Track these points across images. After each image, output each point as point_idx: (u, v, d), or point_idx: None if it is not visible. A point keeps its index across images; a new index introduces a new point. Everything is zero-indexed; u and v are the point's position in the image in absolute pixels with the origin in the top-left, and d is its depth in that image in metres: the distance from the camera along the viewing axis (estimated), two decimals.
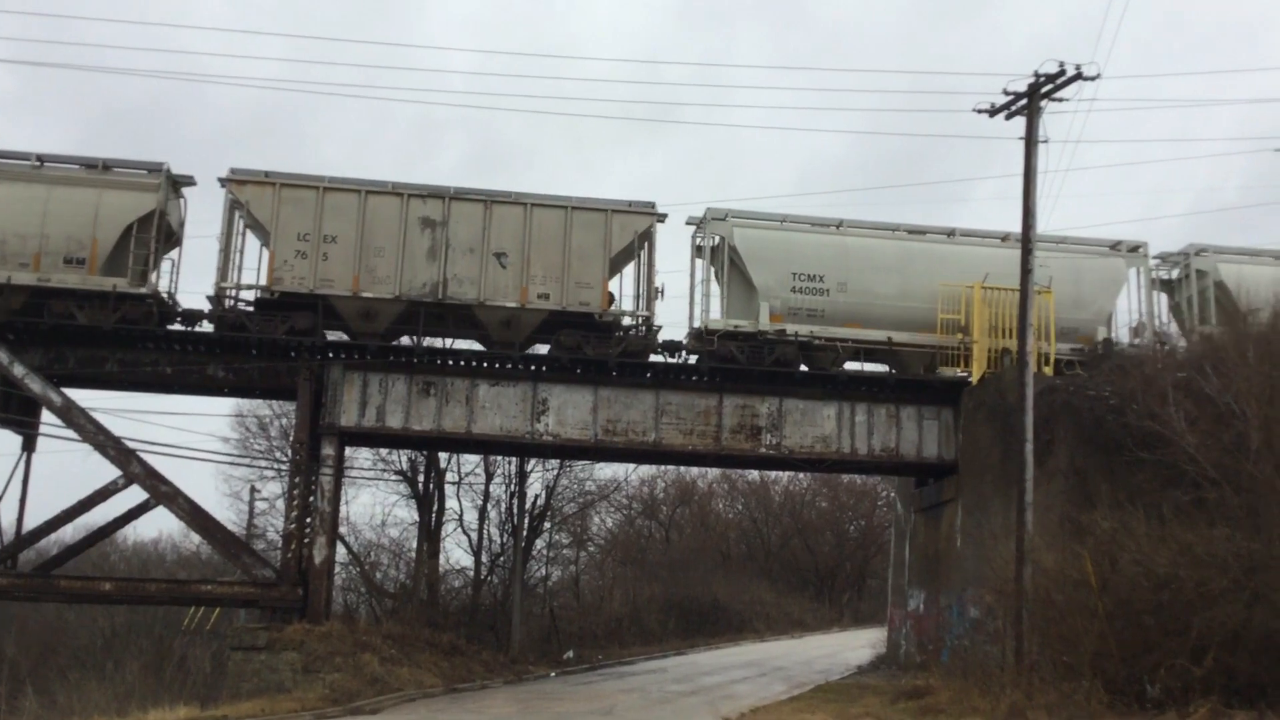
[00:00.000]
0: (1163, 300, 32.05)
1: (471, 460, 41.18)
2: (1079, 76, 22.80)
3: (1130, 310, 30.89)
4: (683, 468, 59.10)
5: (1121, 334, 30.76)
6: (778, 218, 30.21)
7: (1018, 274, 29.15)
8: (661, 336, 29.91)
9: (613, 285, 29.62)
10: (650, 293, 29.32)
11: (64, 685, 35.31)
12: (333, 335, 29.26)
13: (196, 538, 41.09)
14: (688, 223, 30.25)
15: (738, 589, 56.21)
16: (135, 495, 28.44)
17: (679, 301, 25.94)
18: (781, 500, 69.34)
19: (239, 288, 28.30)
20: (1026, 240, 23.45)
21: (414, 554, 41.22)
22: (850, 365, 30.17)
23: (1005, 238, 30.52)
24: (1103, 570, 19.38)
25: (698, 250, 30.10)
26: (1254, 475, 18.55)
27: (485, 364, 29.47)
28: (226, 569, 36.32)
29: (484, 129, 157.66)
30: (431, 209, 28.55)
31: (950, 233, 30.80)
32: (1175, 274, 31.90)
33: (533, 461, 39.74)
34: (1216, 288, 30.68)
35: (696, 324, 29.53)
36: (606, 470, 47.78)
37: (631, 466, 49.13)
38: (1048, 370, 28.27)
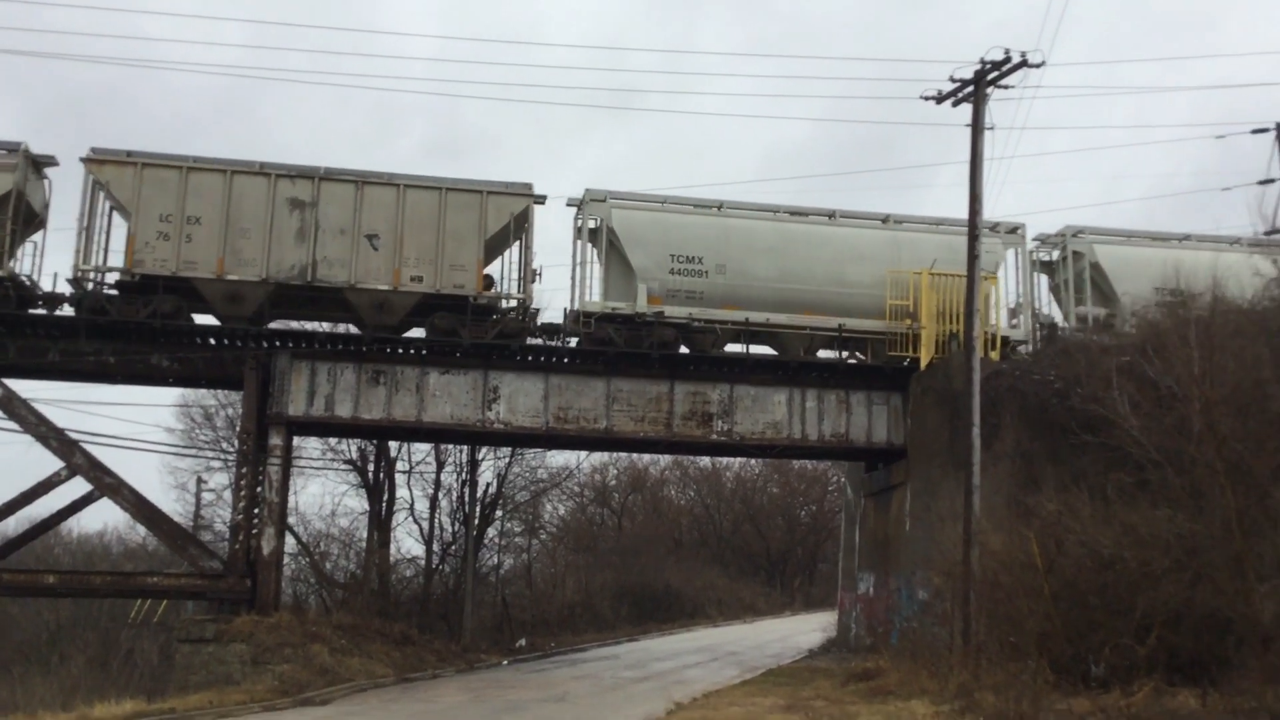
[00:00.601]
0: (1043, 281, 32.28)
1: (422, 449, 41.02)
2: (1024, 64, 22.99)
3: (1008, 291, 31.06)
4: (635, 455, 59.25)
5: (1001, 316, 30.82)
6: (659, 199, 30.07)
7: (899, 256, 30.10)
8: (547, 319, 29.93)
9: (495, 268, 29.48)
10: (528, 275, 29.17)
11: (8, 680, 34.87)
12: (212, 317, 28.68)
13: (142, 530, 40.63)
14: (568, 204, 29.97)
15: (690, 575, 56.40)
16: (79, 487, 27.99)
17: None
18: (733, 486, 69.65)
19: (100, 270, 27.65)
20: (973, 227, 23.63)
21: (364, 544, 40.96)
22: (731, 348, 30.07)
23: (885, 220, 30.78)
24: (1048, 552, 19.62)
25: (579, 232, 29.80)
26: (1195, 457, 18.79)
27: (436, 352, 29.28)
28: (173, 561, 35.89)
29: (445, 115, 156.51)
30: (300, 190, 28.03)
31: (831, 214, 30.79)
32: (1055, 255, 32.02)
33: (484, 450, 39.64)
34: (1092, 269, 30.93)
35: (575, 306, 29.30)
36: (558, 458, 47.89)
37: (583, 454, 49.27)
38: (995, 355, 28.57)
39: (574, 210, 30.01)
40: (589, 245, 29.78)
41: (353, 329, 29.99)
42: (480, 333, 28.37)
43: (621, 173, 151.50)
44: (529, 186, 29.17)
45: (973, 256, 23.66)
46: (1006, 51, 23.00)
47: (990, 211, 24.20)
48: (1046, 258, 32.23)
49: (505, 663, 32.66)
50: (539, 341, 29.57)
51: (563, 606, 45.70)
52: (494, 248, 29.22)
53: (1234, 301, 23.33)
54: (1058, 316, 31.93)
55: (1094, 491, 20.53)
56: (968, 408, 23.22)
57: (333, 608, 36.86)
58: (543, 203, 29.50)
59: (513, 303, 29.22)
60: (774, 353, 30.65)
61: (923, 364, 29.47)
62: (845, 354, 30.51)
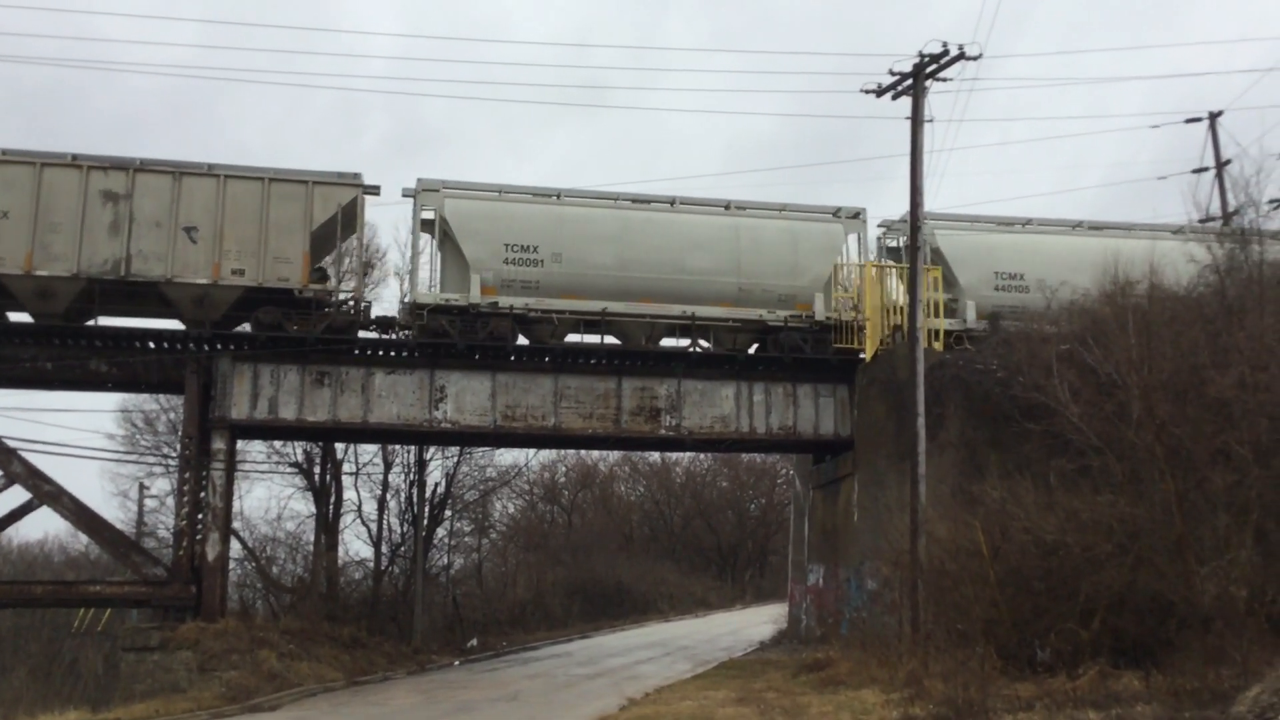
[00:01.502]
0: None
1: (369, 450, 40.62)
2: (962, 56, 23.25)
3: (849, 277, 30.98)
4: (584, 451, 59.20)
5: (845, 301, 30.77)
6: (495, 188, 29.63)
7: (739, 243, 29.93)
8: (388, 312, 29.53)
9: (350, 264, 29.17)
10: (361, 267, 28.97)
11: None
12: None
13: (84, 538, 39.95)
14: (404, 194, 29.39)
15: (641, 570, 56.46)
16: (17, 496, 27.52)
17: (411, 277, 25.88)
18: (683, 481, 69.76)
19: None
20: (914, 219, 23.84)
21: (312, 547, 40.55)
22: (571, 337, 29.78)
23: (728, 206, 30.68)
24: (993, 539, 19.82)
25: (418, 224, 29.33)
26: (1135, 443, 19.06)
27: (381, 352, 29.05)
28: (117, 569, 35.34)
29: (407, 111, 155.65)
30: (114, 182, 27.28)
31: (672, 202, 30.55)
32: (901, 242, 31.69)
33: (432, 449, 39.35)
34: (933, 254, 30.78)
35: (409, 298, 28.94)
36: (507, 456, 47.62)
37: (532, 451, 49.03)
38: (938, 345, 28.83)
39: (425, 206, 29.21)
40: (426, 236, 29.36)
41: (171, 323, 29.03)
42: (308, 326, 27.80)
43: (585, 168, 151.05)
44: (358, 176, 28.53)
45: (914, 248, 23.88)
46: (944, 45, 23.28)
47: (941, 202, 24.42)
48: (894, 244, 32.02)
49: (457, 663, 32.50)
50: (373, 335, 29.13)
51: (514, 605, 45.60)
52: (323, 240, 28.53)
53: (1171, 289, 23.67)
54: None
55: (1037, 479, 20.76)
56: (912, 398, 23.44)
57: (280, 612, 36.53)
58: (376, 193, 29.00)
59: (344, 294, 28.68)
60: (617, 341, 30.17)
61: (868, 355, 29.67)
62: (688, 342, 30.10)
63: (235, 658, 25.52)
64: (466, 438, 33.65)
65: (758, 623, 41.07)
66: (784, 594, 41.44)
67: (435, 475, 41.46)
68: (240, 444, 33.48)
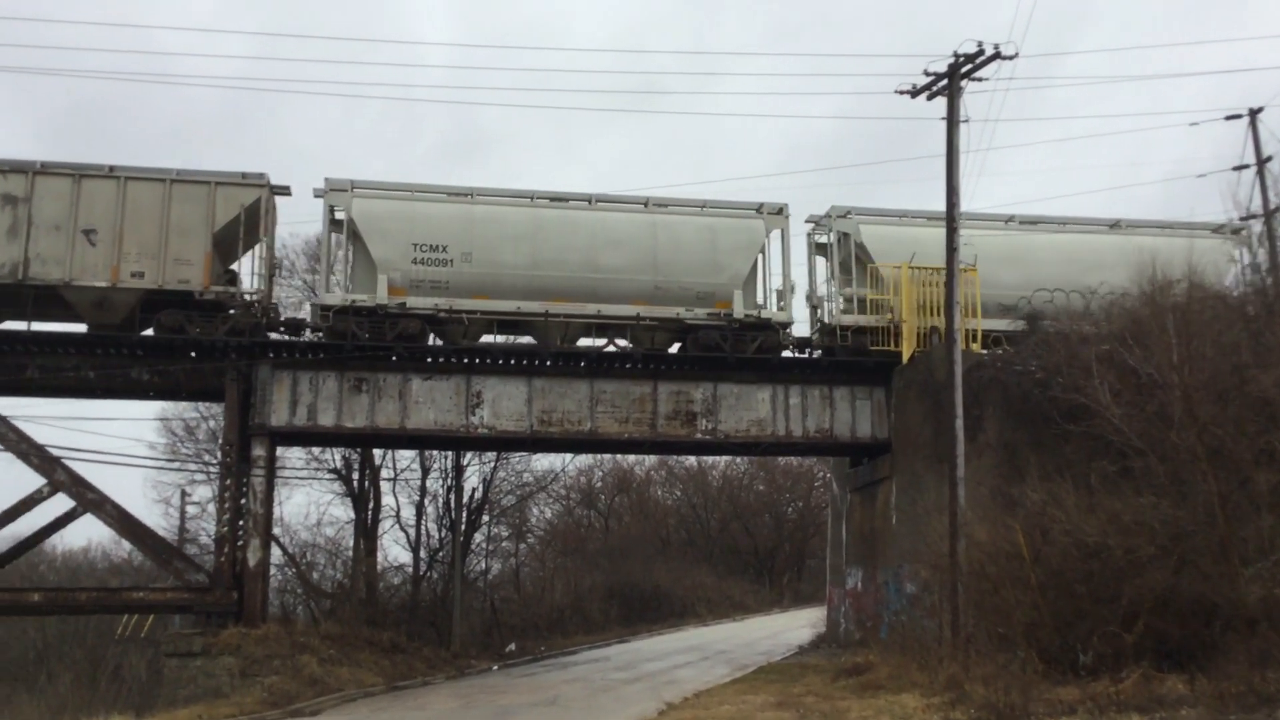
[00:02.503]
0: (822, 264, 31.41)
1: (407, 456, 40.91)
2: (997, 56, 23.14)
3: (771, 272, 30.58)
4: (620, 456, 59.24)
5: (770, 298, 30.36)
6: (407, 187, 29.36)
7: (656, 241, 29.49)
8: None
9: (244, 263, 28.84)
10: (270, 269, 28.75)
11: None
12: None
13: (127, 545, 40.38)
14: (315, 195, 29.02)
15: (678, 574, 56.41)
16: (62, 503, 27.84)
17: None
18: (719, 485, 69.64)
19: None
20: (951, 220, 23.71)
21: (351, 553, 40.82)
22: (486, 338, 29.50)
23: (646, 204, 30.28)
24: (1034, 541, 19.67)
25: (329, 223, 29.06)
26: (1177, 444, 18.88)
27: (418, 358, 29.19)
28: (159, 575, 35.70)
29: (463, 114, 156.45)
30: (13, 184, 27.15)
31: (590, 200, 30.13)
32: (831, 237, 31.15)
33: (469, 455, 39.55)
34: (858, 249, 30.40)
35: (317, 299, 28.75)
36: (543, 461, 47.77)
37: (568, 456, 49.16)
38: (976, 347, 28.66)
39: (334, 206, 29.06)
40: (339, 237, 29.14)
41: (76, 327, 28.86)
42: (211, 329, 27.64)
43: (638, 169, 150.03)
44: (263, 176, 28.26)
45: (951, 249, 23.75)
46: (979, 44, 23.19)
47: (977, 201, 24.24)
48: (823, 239, 31.32)
49: (495, 668, 32.59)
50: (281, 337, 29.00)
51: (552, 610, 45.68)
52: (228, 241, 28.22)
53: (1211, 288, 23.44)
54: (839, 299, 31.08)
55: (1078, 480, 20.57)
56: (950, 400, 23.32)
57: (320, 618, 36.74)
58: (287, 193, 28.96)
59: (248, 296, 28.31)
60: (531, 340, 29.86)
61: (904, 358, 29.52)
62: (604, 341, 29.66)
63: (277, 663, 25.73)
64: (503, 443, 33.74)
65: (796, 626, 40.94)
66: (822, 597, 41.31)
67: (472, 480, 41.77)
68: (280, 450, 33.78)
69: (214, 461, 36.96)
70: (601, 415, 29.68)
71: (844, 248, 30.73)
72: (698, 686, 24.11)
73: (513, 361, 29.27)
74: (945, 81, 23.75)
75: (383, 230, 28.59)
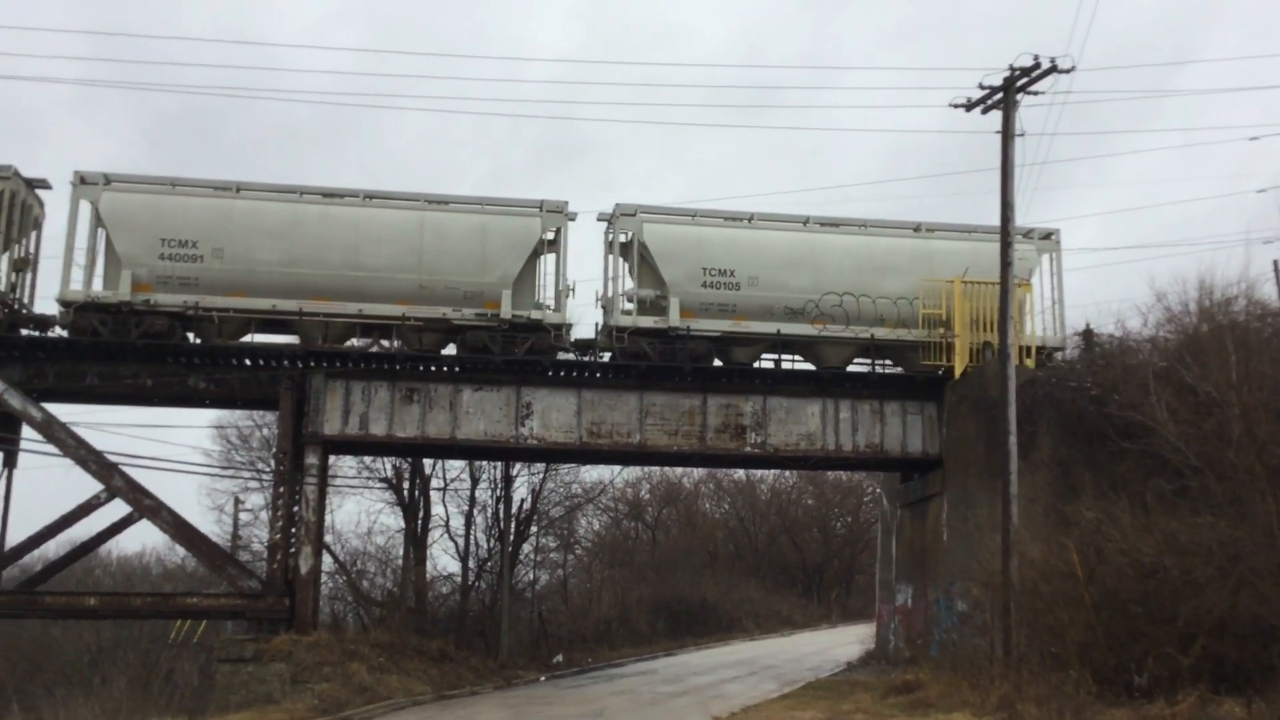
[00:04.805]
0: (617, 264, 30.25)
1: (456, 466, 41.14)
2: (1054, 69, 22.94)
3: (549, 273, 29.73)
4: (668, 468, 59.17)
5: (547, 297, 29.58)
6: (167, 181, 28.81)
7: (423, 240, 28.73)
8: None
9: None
10: (15, 264, 28.38)
11: (50, 702, 35.08)
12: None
13: (181, 551, 40.97)
14: (73, 185, 28.22)
15: (726, 588, 56.22)
16: (118, 509, 28.25)
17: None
18: (768, 498, 69.37)
19: None
20: (1005, 234, 23.51)
21: (401, 561, 41.10)
22: (260, 337, 28.80)
23: (420, 200, 29.51)
24: (1088, 560, 19.44)
25: (74, 217, 28.35)
26: (1235, 463, 18.63)
27: (468, 369, 29.33)
28: (212, 581, 36.15)
29: (568, 115, 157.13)
30: None
31: (362, 196, 29.45)
32: (625, 237, 30.08)
33: (518, 466, 39.68)
34: (641, 248, 29.59)
35: (58, 297, 27.94)
36: (592, 473, 47.83)
37: (617, 468, 49.21)
38: (1029, 362, 28.38)
39: (82, 199, 28.46)
40: (88, 232, 28.40)
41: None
42: None
43: (744, 175, 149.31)
44: (7, 168, 27.70)
45: (1006, 264, 23.53)
46: (1035, 57, 22.95)
47: (1056, 210, 23.97)
48: (624, 239, 30.13)
49: (543, 679, 32.66)
50: (28, 332, 28.37)
51: (599, 621, 45.68)
52: None
53: (1270, 305, 23.10)
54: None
55: (1133, 499, 20.32)
56: (1003, 416, 23.09)
57: (370, 626, 37.02)
58: (46, 186, 28.63)
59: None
60: (296, 340, 28.96)
61: (956, 373, 29.29)
62: (368, 341, 28.97)
63: (327, 670, 25.93)
64: (552, 454, 33.85)
65: (844, 643, 40.66)
66: (871, 613, 41.01)
67: (521, 491, 41.89)
68: (332, 459, 34.10)
69: (268, 469, 37.42)
70: (651, 428, 29.67)
71: (635, 246, 29.87)
72: (745, 701, 24.00)
73: (562, 373, 29.36)
74: (1001, 95, 23.56)
75: (129, 224, 27.99)
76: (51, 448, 27.93)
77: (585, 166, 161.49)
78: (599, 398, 29.58)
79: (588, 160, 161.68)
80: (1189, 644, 17.77)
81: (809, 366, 30.59)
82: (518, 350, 28.59)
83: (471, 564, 42.08)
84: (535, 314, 28.97)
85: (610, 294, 29.72)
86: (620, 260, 29.97)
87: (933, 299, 29.65)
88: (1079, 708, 16.36)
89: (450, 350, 29.18)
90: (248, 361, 28.75)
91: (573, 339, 29.93)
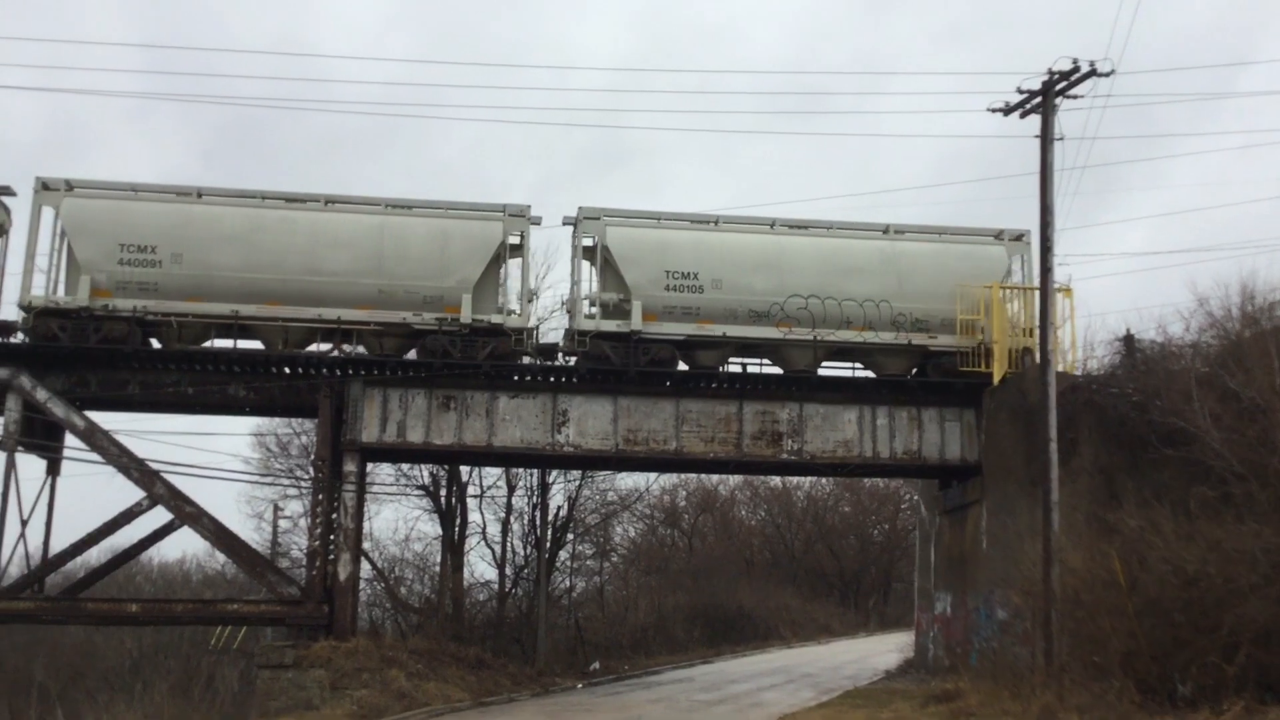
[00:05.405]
0: (585, 267, 29.77)
1: (493, 473, 41.25)
2: (1093, 73, 22.78)
3: (511, 276, 29.48)
4: (704, 475, 59.11)
5: (511, 302, 29.27)
6: (129, 186, 28.68)
7: (382, 243, 28.41)
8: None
9: None
10: None
11: (93, 707, 35.58)
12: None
13: (221, 557, 41.32)
14: (36, 189, 28.13)
15: (763, 596, 56.08)
16: (160, 516, 28.51)
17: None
18: (804, 505, 69.16)
19: None
20: (1045, 239, 23.35)
21: (438, 568, 41.28)
22: (220, 342, 28.58)
23: (383, 205, 29.19)
24: (1131, 569, 19.25)
25: (35, 222, 28.24)
26: None
27: (505, 376, 29.39)
28: (252, 588, 36.42)
29: (615, 122, 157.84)
30: None
31: (324, 201, 29.10)
32: (590, 240, 29.55)
33: (554, 473, 39.74)
34: (605, 251, 29.15)
35: (19, 301, 27.83)
36: (628, 480, 47.81)
37: (653, 475, 49.19)
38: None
39: (44, 205, 28.25)
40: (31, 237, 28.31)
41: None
42: None
43: (788, 178, 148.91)
44: None
45: (1045, 269, 23.37)
46: (1075, 61, 22.80)
47: (1117, 211, 23.72)
48: (589, 243, 29.64)
49: (580, 686, 32.66)
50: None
51: (635, 629, 45.67)
52: None
53: None
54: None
55: (1176, 507, 20.10)
56: (1044, 423, 22.91)
57: (408, 632, 37.22)
58: (10, 193, 28.54)
59: None
60: (259, 345, 28.74)
61: (995, 379, 29.06)
62: (329, 346, 28.62)
63: (366, 676, 26.06)
64: (588, 461, 33.84)
65: (882, 651, 40.43)
66: (909, 622, 40.74)
67: (557, 498, 41.94)
68: (370, 466, 34.26)
69: (306, 476, 37.69)
70: (687, 434, 29.63)
71: (598, 251, 29.55)
72: (783, 709, 23.92)
73: (599, 379, 29.37)
74: (1039, 99, 23.42)
75: (88, 229, 27.96)
76: (94, 455, 28.23)
77: (632, 171, 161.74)
78: (635, 404, 29.56)
79: (634, 165, 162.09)
80: (1233, 653, 17.54)
81: (846, 373, 30.51)
82: (479, 356, 28.35)
83: (508, 571, 42.22)
84: (496, 318, 28.70)
85: (576, 298, 29.57)
86: (587, 264, 29.76)
87: (969, 305, 29.44)
88: (1121, 717, 16.18)
89: (411, 355, 28.99)
90: (287, 370, 28.97)
91: (538, 343, 29.86)
